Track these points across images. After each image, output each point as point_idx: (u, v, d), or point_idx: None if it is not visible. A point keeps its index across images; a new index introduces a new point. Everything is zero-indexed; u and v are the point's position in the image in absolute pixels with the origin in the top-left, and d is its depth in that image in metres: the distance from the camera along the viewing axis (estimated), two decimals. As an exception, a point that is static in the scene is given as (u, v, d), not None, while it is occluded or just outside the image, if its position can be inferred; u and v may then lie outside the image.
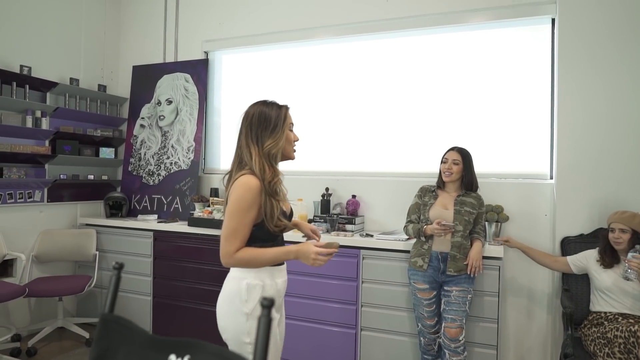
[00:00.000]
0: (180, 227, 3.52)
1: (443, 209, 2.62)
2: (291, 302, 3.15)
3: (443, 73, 3.36)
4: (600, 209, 2.82)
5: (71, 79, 3.86)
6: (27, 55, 3.56)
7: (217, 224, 3.34)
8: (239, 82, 4.00)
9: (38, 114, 3.55)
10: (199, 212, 3.57)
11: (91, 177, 4.04)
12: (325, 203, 3.48)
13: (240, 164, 1.70)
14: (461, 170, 2.66)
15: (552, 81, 3.06)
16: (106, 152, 4.14)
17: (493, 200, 3.08)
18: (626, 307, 2.40)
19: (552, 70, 3.05)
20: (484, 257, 2.67)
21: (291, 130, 1.77)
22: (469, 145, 3.19)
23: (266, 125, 1.69)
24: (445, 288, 2.56)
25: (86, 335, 3.45)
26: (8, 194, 3.44)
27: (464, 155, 2.68)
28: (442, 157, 2.72)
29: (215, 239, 3.32)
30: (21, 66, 3.45)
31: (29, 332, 3.42)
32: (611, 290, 2.44)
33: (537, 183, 3.08)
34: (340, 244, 2.90)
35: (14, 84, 3.38)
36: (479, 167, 3.20)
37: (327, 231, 3.22)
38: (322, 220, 3.31)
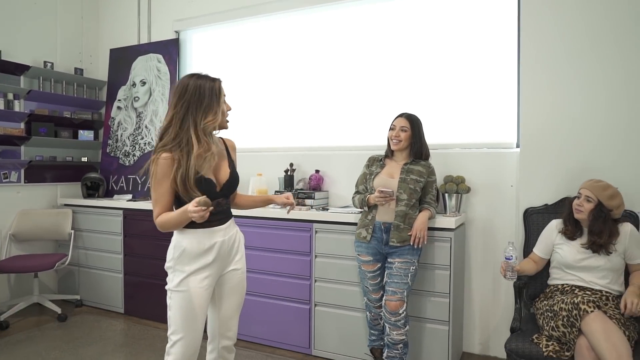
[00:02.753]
0: (148, 204, 3.53)
1: (389, 178, 2.50)
2: (247, 278, 3.11)
3: (405, 41, 3.20)
4: (568, 178, 2.61)
5: (45, 62, 3.93)
6: (-2, 39, 3.66)
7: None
8: (210, 60, 3.96)
9: (10, 96, 3.63)
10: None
11: (69, 158, 4.12)
12: (288, 178, 3.41)
13: (163, 136, 1.75)
14: (409, 137, 2.53)
15: (518, 44, 2.86)
16: (85, 135, 4.21)
17: (457, 171, 2.93)
18: (584, 280, 2.22)
19: (518, 32, 2.85)
20: (435, 229, 2.55)
21: (224, 102, 1.83)
22: (432, 116, 3.06)
23: (201, 101, 1.74)
24: (389, 260, 2.45)
25: (58, 310, 3.53)
26: (-16, 174, 3.56)
27: (413, 122, 2.54)
28: (391, 124, 2.59)
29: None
30: (-9, 49, 3.55)
31: (8, 308, 3.53)
32: (571, 267, 2.25)
33: (503, 152, 2.90)
34: (294, 218, 2.88)
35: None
36: (442, 138, 3.08)
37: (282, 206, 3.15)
38: (283, 196, 3.25)
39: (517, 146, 2.86)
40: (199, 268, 1.78)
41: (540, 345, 2.05)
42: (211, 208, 1.64)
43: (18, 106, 3.69)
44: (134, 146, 4.10)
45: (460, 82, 3.03)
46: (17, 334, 3.25)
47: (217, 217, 1.84)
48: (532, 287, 2.48)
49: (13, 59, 3.70)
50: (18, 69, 3.71)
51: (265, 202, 2.15)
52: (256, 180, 3.27)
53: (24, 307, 3.55)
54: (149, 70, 4.10)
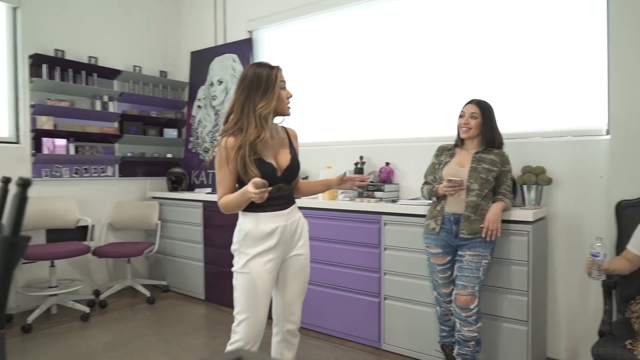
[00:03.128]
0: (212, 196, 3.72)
1: (459, 167, 2.40)
2: (313, 268, 3.15)
3: (476, 25, 3.04)
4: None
5: (134, 66, 4.29)
6: (95, 47, 4.04)
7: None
8: (280, 57, 4.07)
9: (105, 98, 4.01)
10: (239, 182, 3.74)
11: (156, 155, 4.46)
12: (358, 171, 3.40)
13: (226, 122, 1.88)
14: (480, 124, 2.40)
15: (607, 17, 2.59)
16: (169, 133, 4.53)
17: (536, 161, 2.73)
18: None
19: (607, 5, 2.58)
20: (510, 221, 2.40)
21: (283, 89, 1.90)
22: (508, 103, 2.88)
23: (258, 87, 1.83)
24: (459, 252, 2.35)
25: (147, 294, 3.84)
26: (84, 168, 3.97)
27: (483, 108, 2.41)
28: (460, 112, 2.48)
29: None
30: (89, 57, 3.94)
31: (107, 289, 3.91)
32: None
33: (590, 140, 2.64)
34: (363, 210, 2.87)
35: (84, 72, 3.86)
36: (519, 127, 2.89)
37: (351, 199, 3.15)
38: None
39: (607, 133, 2.59)
40: (262, 251, 1.84)
41: (635, 352, 1.85)
42: (269, 189, 1.70)
43: (112, 107, 4.06)
44: (213, 142, 4.34)
45: (539, 64, 2.82)
46: (113, 313, 3.59)
47: (279, 201, 1.89)
48: (626, 288, 2.24)
49: (108, 64, 4.08)
50: (112, 74, 4.09)
51: (324, 185, 2.17)
52: (325, 173, 3.30)
53: (119, 289, 3.92)
54: (225, 69, 4.31)
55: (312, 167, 3.75)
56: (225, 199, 1.83)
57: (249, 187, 1.68)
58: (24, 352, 2.84)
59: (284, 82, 1.90)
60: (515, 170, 2.73)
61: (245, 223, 1.88)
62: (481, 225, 2.28)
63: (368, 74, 3.56)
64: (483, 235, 2.27)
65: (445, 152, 2.52)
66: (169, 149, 4.64)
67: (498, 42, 2.97)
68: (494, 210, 2.29)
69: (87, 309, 3.42)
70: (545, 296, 2.71)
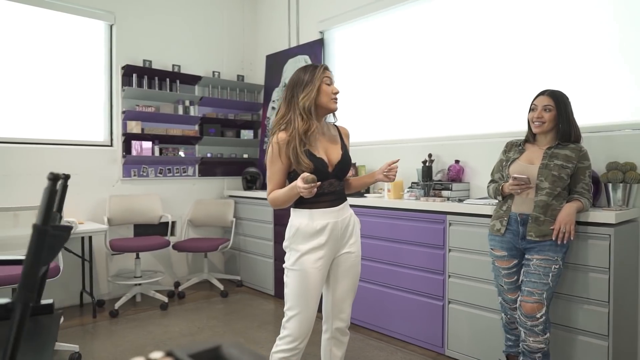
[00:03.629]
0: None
1: (528, 164, 2.20)
2: (377, 268, 3.11)
3: (545, 11, 2.77)
4: None
5: (213, 72, 4.56)
6: (178, 56, 4.36)
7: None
8: (350, 56, 4.06)
9: (187, 103, 4.31)
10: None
11: (233, 155, 4.70)
12: (426, 170, 3.27)
13: (279, 120, 1.93)
14: (555, 117, 2.19)
15: None
16: (246, 134, 4.74)
17: (625, 157, 2.42)
18: None
19: None
20: (589, 224, 2.15)
21: (328, 84, 1.91)
22: (593, 93, 2.60)
23: (301, 83, 1.88)
24: (527, 256, 2.16)
25: (221, 287, 4.05)
26: (167, 169, 4.30)
27: (558, 99, 2.20)
28: (531, 104, 2.28)
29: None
30: (173, 65, 4.26)
31: (186, 281, 4.19)
32: None
33: (695, 131, 2.29)
34: (426, 209, 2.76)
35: (168, 80, 4.19)
36: (603, 118, 2.59)
37: (417, 198, 3.04)
38: (418, 187, 3.14)
39: None
40: (313, 248, 1.85)
41: None
42: (318, 184, 1.70)
43: (193, 111, 4.35)
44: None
45: (621, 44, 2.49)
46: (189, 303, 3.84)
47: (329, 197, 1.89)
48: None
49: (189, 71, 4.39)
50: (193, 80, 4.38)
51: (371, 177, 2.10)
52: (390, 171, 3.22)
53: (197, 282, 4.19)
54: (296, 71, 4.40)
55: (377, 167, 3.69)
56: (274, 193, 1.86)
57: (298, 182, 1.70)
58: (110, 335, 3.14)
59: (329, 78, 1.91)
60: (600, 167, 2.46)
61: (296, 219, 1.91)
62: (552, 227, 2.08)
63: (437, 69, 3.42)
64: (553, 238, 2.06)
65: (514, 148, 2.33)
66: (246, 149, 4.86)
67: (572, 25, 2.69)
68: (567, 211, 2.07)
69: (166, 299, 3.70)
70: (635, 309, 2.38)
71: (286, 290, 1.87)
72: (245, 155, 4.78)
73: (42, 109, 3.71)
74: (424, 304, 2.85)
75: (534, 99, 2.27)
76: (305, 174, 1.69)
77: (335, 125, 2.06)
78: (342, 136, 2.02)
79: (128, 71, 3.96)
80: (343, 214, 1.93)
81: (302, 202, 1.89)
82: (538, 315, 2.05)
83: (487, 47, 3.13)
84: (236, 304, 3.82)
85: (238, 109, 4.80)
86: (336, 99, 1.93)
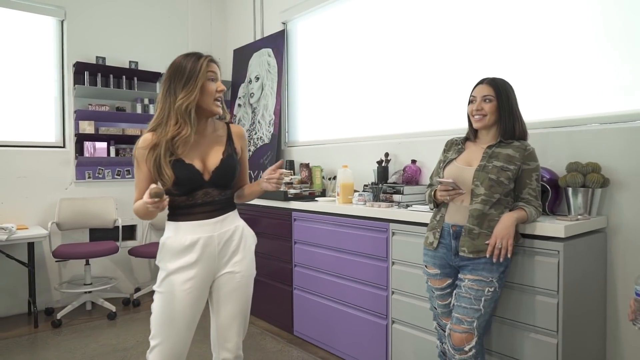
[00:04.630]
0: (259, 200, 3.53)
1: (464, 166, 1.87)
2: (321, 279, 2.82)
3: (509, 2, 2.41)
4: None
5: (176, 68, 4.32)
6: (135, 52, 4.15)
7: (275, 195, 3.21)
8: (312, 48, 3.76)
9: (146, 101, 4.10)
10: (261, 184, 3.52)
11: (200, 155, 4.46)
12: (382, 170, 2.96)
13: (153, 119, 1.66)
14: (496, 109, 1.85)
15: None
16: (213, 133, 4.50)
17: (588, 156, 2.06)
18: None
19: None
20: (533, 237, 1.81)
21: (212, 80, 1.62)
22: (549, 83, 2.25)
23: (181, 77, 1.59)
24: (459, 276, 1.83)
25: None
26: (126, 170, 4.10)
27: (499, 87, 1.85)
28: (470, 96, 1.94)
29: (274, 210, 3.22)
30: (130, 62, 4.05)
31: (146, 287, 3.99)
32: None
33: (671, 125, 1.91)
34: (368, 216, 2.45)
35: (124, 77, 3.98)
36: (563, 111, 2.23)
37: (365, 203, 2.72)
38: (368, 190, 2.83)
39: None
40: (181, 267, 1.59)
41: None
42: (166, 198, 1.43)
43: (153, 109, 4.13)
44: (250, 141, 4.19)
45: (588, 26, 2.12)
46: (144, 312, 3.62)
47: (205, 208, 1.63)
48: None
49: (148, 68, 4.16)
50: (153, 77, 4.16)
51: (258, 185, 1.81)
52: (341, 173, 2.92)
53: (156, 289, 3.97)
54: (261, 65, 4.13)
55: (334, 166, 3.41)
56: (136, 205, 1.58)
57: (144, 196, 1.44)
58: (42, 347, 2.95)
59: (213, 72, 1.62)
60: (560, 168, 2.10)
61: (166, 232, 1.65)
62: (487, 242, 1.74)
63: (397, 61, 3.09)
64: (487, 255, 1.73)
65: (453, 147, 2.00)
66: (214, 149, 4.61)
67: (530, 11, 2.32)
68: (505, 222, 1.73)
69: (113, 308, 3.49)
70: (593, 339, 2.01)
71: (152, 316, 1.61)
72: (213, 155, 4.54)
73: (-13, 110, 3.55)
74: (367, 322, 2.54)
75: (473, 89, 1.93)
76: (152, 187, 1.41)
77: (227, 124, 1.78)
78: (232, 137, 1.74)
79: (79, 68, 3.76)
80: (223, 227, 1.65)
81: (172, 213, 1.63)
82: (467, 348, 1.72)
83: (446, 38, 2.79)
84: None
85: (205, 107, 4.56)
86: (220, 98, 1.65)
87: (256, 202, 3.39)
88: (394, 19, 3.11)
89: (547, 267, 1.77)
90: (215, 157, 1.65)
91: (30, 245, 3.34)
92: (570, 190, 2.01)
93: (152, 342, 1.58)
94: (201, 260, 1.60)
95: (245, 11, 4.45)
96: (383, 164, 2.98)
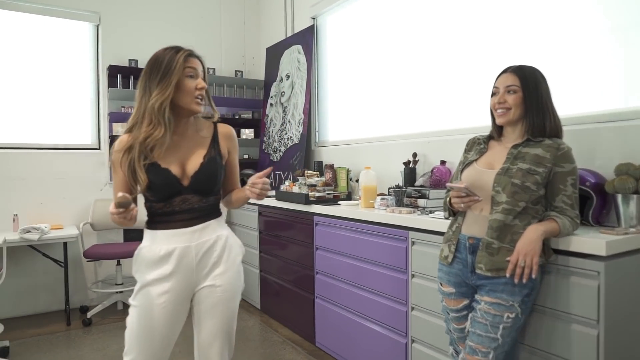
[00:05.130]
0: (269, 200, 3.41)
1: (485, 169, 1.61)
2: (341, 288, 2.65)
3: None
4: None
5: (208, 68, 4.27)
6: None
7: (296, 198, 3.06)
8: (344, 43, 3.56)
9: (178, 102, 4.09)
10: (285, 185, 3.38)
11: (232, 156, 4.41)
12: (409, 172, 2.71)
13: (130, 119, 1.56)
14: (522, 101, 1.57)
15: None
16: (246, 133, 4.43)
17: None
18: None
19: None
20: (569, 253, 1.51)
21: (191, 77, 1.50)
22: (597, 72, 1.91)
23: (157, 73, 1.48)
24: (476, 296, 1.57)
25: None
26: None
27: (526, 77, 1.57)
28: (493, 87, 1.67)
29: (296, 214, 3.07)
30: (161, 63, 4.06)
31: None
32: None
33: None
34: (387, 223, 2.24)
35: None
36: (622, 102, 1.86)
37: (387, 208, 2.49)
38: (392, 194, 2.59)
39: None
40: (156, 279, 1.48)
41: None
42: (134, 208, 1.33)
43: (185, 111, 4.13)
44: (280, 142, 4.07)
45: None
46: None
47: (182, 216, 1.50)
48: None
49: (180, 69, 4.16)
50: (186, 78, 4.15)
51: (242, 191, 1.65)
52: (363, 175, 2.70)
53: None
54: (291, 63, 3.99)
55: (359, 168, 3.20)
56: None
57: (110, 207, 1.34)
58: (70, 345, 3.00)
59: (192, 69, 1.49)
60: (611, 170, 1.77)
61: (143, 241, 1.54)
62: (508, 259, 1.48)
63: (428, 53, 2.83)
64: (508, 275, 1.46)
65: (475, 147, 1.74)
66: (247, 149, 4.55)
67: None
68: (530, 236, 1.45)
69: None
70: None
71: (126, 330, 1.50)
72: (246, 156, 4.47)
73: (29, 114, 3.70)
74: (386, 339, 2.32)
75: (496, 79, 1.66)
76: (119, 196, 1.30)
77: (214, 124, 1.64)
78: (217, 138, 1.60)
79: (112, 72, 3.82)
80: (202, 237, 1.51)
81: (149, 221, 1.53)
82: (480, 383, 1.47)
83: (479, 27, 2.49)
84: (215, 319, 3.53)
85: (237, 107, 4.50)
86: (201, 96, 1.51)
87: (278, 204, 3.26)
88: (424, 12, 2.84)
89: (585, 291, 1.47)
90: (195, 161, 1.52)
91: (65, 245, 3.43)
92: (619, 197, 1.68)
93: (125, 358, 1.47)
94: (177, 272, 1.48)
95: (277, 7, 4.33)
96: (410, 165, 2.74)
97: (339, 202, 2.93)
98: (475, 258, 1.55)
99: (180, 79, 1.46)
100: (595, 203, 1.75)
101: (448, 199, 1.68)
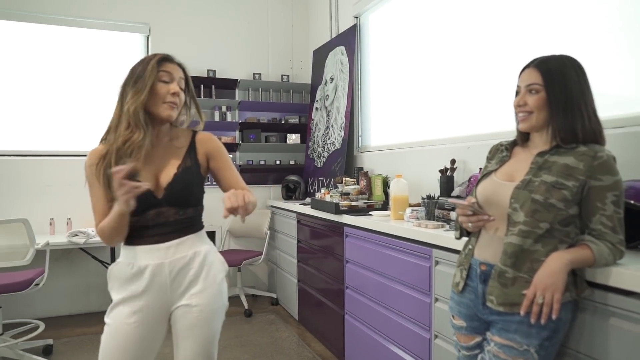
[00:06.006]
0: (306, 208, 3.28)
1: (503, 181, 1.35)
2: (368, 306, 2.47)
3: None
4: None
5: (254, 74, 4.28)
6: (214, 60, 4.19)
7: (328, 207, 2.91)
8: (385, 42, 3.34)
9: (224, 108, 4.12)
10: (320, 193, 3.22)
11: (278, 161, 4.35)
12: (445, 180, 2.45)
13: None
14: (545, 102, 1.29)
15: None
16: (293, 138, 4.35)
17: None
18: None
19: None
20: (608, 288, 1.20)
21: (164, 82, 1.43)
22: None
23: (130, 78, 1.44)
24: (487, 334, 1.31)
25: (245, 305, 3.76)
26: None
27: (551, 72, 1.29)
28: (517, 86, 1.40)
29: (328, 223, 2.93)
30: (208, 70, 4.11)
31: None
32: None
33: None
34: (410, 238, 2.03)
35: (202, 86, 4.05)
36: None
37: (417, 219, 2.24)
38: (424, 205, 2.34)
39: None
40: (127, 297, 1.41)
41: None
42: (142, 186, 1.28)
43: (231, 116, 4.15)
44: (324, 147, 3.93)
45: None
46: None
47: (156, 231, 1.42)
48: None
49: (226, 75, 4.19)
50: (231, 84, 4.17)
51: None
52: (394, 184, 2.48)
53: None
54: (335, 65, 3.85)
55: (404, 175, 2.96)
56: (101, 224, 1.41)
57: (115, 184, 1.27)
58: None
59: (167, 73, 1.42)
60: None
61: (120, 257, 1.48)
62: (524, 292, 1.21)
63: (470, 52, 2.55)
64: (522, 313, 1.19)
65: (498, 155, 1.47)
66: (294, 155, 4.47)
67: None
68: (552, 265, 1.18)
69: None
70: None
71: (100, 348, 1.44)
72: (292, 162, 4.39)
73: (85, 123, 3.91)
74: (408, 368, 2.08)
75: (519, 75, 1.38)
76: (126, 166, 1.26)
77: (193, 131, 1.54)
78: (195, 145, 1.51)
79: (161, 80, 3.93)
80: (177, 253, 1.42)
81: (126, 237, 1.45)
82: None
83: (522, 26, 2.17)
84: (250, 326, 3.47)
85: (284, 112, 4.44)
86: (174, 103, 1.42)
87: (313, 212, 3.12)
88: (465, 8, 2.56)
89: (627, 337, 1.16)
90: (169, 172, 1.44)
91: (112, 249, 3.57)
92: (682, 218, 1.32)
93: None
94: (149, 290, 1.40)
95: (323, 9, 4.21)
96: (448, 173, 2.47)
97: (370, 213, 2.72)
98: (486, 288, 1.30)
99: (154, 83, 1.39)
100: (652, 225, 1.40)
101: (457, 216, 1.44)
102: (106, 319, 1.44)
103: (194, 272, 1.43)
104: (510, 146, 1.45)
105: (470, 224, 1.32)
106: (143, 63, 1.43)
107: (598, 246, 1.19)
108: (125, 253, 1.45)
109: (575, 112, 1.26)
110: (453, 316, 1.45)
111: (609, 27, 1.79)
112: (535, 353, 1.19)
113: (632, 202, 1.41)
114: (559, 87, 1.27)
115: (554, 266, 1.17)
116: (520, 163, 1.36)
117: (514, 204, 1.26)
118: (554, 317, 1.15)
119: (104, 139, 1.45)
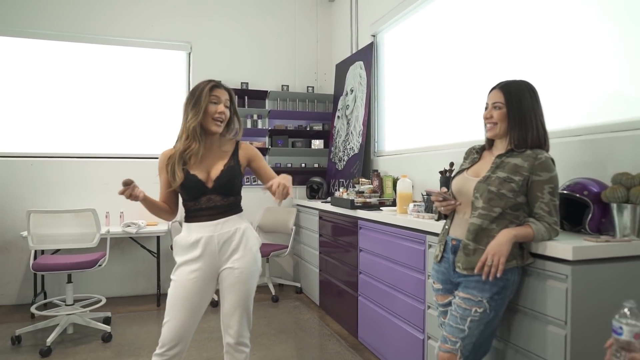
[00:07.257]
0: (326, 205, 3.72)
1: (471, 177, 1.76)
2: (379, 288, 2.96)
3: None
4: None
5: (282, 85, 4.77)
6: (247, 74, 4.72)
7: (345, 203, 3.35)
8: (398, 58, 3.77)
9: (255, 116, 4.63)
10: (339, 192, 3.66)
11: (303, 165, 4.82)
12: (445, 180, 2.84)
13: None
14: (505, 117, 1.70)
15: None
16: (317, 144, 4.82)
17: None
18: None
19: None
20: (544, 257, 1.60)
21: (214, 103, 1.91)
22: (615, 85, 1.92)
23: (191, 100, 1.93)
24: (455, 292, 1.73)
25: (272, 292, 4.23)
26: (245, 177, 4.68)
27: (511, 93, 1.70)
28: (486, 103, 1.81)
29: (345, 218, 3.36)
30: (241, 82, 4.63)
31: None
32: None
33: None
34: (407, 226, 2.44)
35: (236, 96, 4.55)
36: (621, 113, 1.86)
37: (418, 212, 2.66)
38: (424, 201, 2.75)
39: None
40: (188, 260, 1.88)
41: None
42: (135, 187, 1.78)
43: (261, 124, 4.65)
44: (344, 151, 4.37)
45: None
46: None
47: (207, 212, 1.90)
48: None
49: (258, 87, 4.70)
50: (262, 95, 4.68)
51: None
52: (400, 183, 2.89)
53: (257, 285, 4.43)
54: (354, 78, 4.29)
55: (415, 176, 3.36)
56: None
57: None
58: (157, 322, 3.61)
59: (216, 97, 1.90)
60: (604, 175, 1.80)
61: (181, 232, 1.96)
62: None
63: (469, 66, 2.94)
64: (476, 272, 1.61)
65: (471, 156, 1.89)
66: (317, 159, 4.93)
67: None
68: (500, 238, 1.59)
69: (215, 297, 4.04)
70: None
71: (167, 298, 1.92)
72: (316, 165, 4.85)
73: (137, 131, 4.48)
74: (406, 334, 2.49)
75: (488, 95, 1.80)
76: (126, 179, 1.77)
77: (237, 142, 2.03)
78: (238, 151, 1.99)
79: (201, 92, 4.46)
80: (223, 229, 1.89)
81: (185, 216, 1.94)
82: (449, 369, 1.62)
83: (524, 39, 2.56)
84: (279, 309, 3.93)
85: (309, 120, 4.91)
86: (220, 119, 1.90)
87: (333, 209, 3.56)
88: (466, 25, 2.96)
89: (555, 292, 1.55)
90: (217, 169, 1.91)
91: (158, 239, 4.11)
92: (614, 206, 1.70)
93: (164, 320, 1.90)
94: (204, 255, 1.87)
95: (344, 26, 4.67)
96: (447, 174, 2.86)
97: (381, 208, 3.15)
98: (455, 258, 1.71)
99: (208, 105, 1.87)
100: (595, 212, 1.78)
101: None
102: (172, 276, 1.92)
103: (235, 243, 1.90)
104: (481, 150, 1.86)
105: (442, 208, 1.74)
106: (199, 89, 1.90)
107: (537, 225, 1.59)
108: (186, 228, 1.93)
109: (527, 125, 1.67)
110: (434, 282, 1.87)
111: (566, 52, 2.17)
112: (486, 303, 1.60)
113: (577, 195, 1.80)
114: (516, 105, 1.68)
115: (501, 238, 1.58)
116: (486, 163, 1.77)
117: (476, 194, 1.67)
118: (498, 275, 1.56)
119: (173, 146, 1.94)
